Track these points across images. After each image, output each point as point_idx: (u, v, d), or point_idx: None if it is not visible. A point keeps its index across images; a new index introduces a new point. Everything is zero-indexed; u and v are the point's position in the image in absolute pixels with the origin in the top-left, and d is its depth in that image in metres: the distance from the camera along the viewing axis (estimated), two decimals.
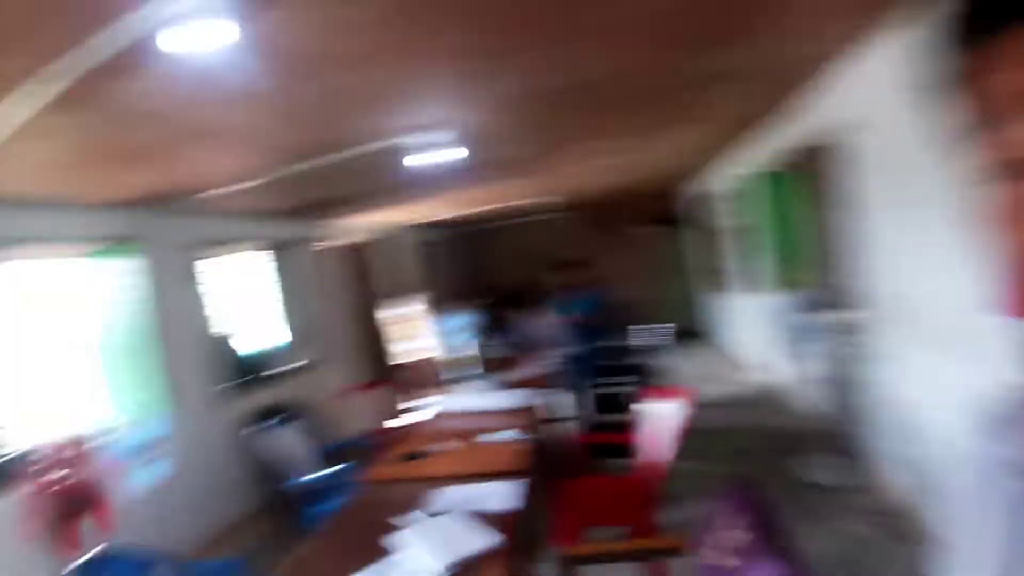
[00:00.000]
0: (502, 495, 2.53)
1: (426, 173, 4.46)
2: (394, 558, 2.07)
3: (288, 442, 4.30)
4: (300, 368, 6.44)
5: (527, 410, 3.91)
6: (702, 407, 5.77)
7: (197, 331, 5.10)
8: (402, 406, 4.93)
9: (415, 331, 8.40)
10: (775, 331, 5.99)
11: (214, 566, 2.62)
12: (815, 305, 3.84)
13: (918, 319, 2.97)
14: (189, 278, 5.03)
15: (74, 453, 2.78)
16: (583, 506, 3.10)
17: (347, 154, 3.54)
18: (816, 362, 4.13)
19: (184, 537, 4.25)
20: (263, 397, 5.61)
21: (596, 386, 5.62)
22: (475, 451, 3.21)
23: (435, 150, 3.56)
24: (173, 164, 3.40)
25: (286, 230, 6.29)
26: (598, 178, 7.00)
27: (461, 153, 3.89)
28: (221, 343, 5.73)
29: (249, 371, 5.82)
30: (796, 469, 4.07)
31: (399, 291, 8.22)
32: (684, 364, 7.86)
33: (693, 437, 5.02)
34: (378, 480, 3.02)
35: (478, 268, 11.20)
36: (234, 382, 5.57)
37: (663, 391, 3.31)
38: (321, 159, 3.62)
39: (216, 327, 5.73)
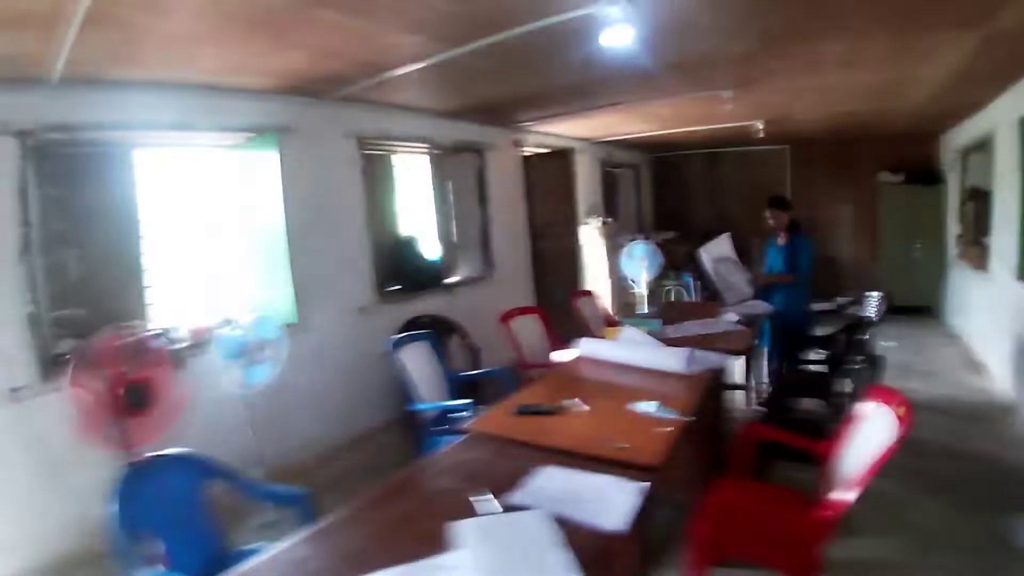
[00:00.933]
0: (618, 504, 1.92)
1: (612, 71, 3.99)
2: (439, 559, 1.69)
3: (424, 361, 4.14)
4: (464, 282, 6.43)
5: (698, 380, 3.19)
6: (916, 408, 4.98)
7: (356, 230, 5.06)
8: (562, 341, 4.62)
9: (591, 259, 8.11)
10: (1017, 330, 4.99)
11: (277, 492, 2.49)
12: None
13: None
14: (350, 173, 4.99)
15: (146, 346, 2.78)
16: (729, 524, 2.56)
17: (522, 30, 3.10)
18: None
19: (287, 448, 4.31)
20: (423, 307, 5.63)
21: (790, 360, 4.97)
22: (610, 422, 2.63)
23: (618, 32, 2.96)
24: (321, 37, 3.21)
25: (457, 132, 6.10)
26: (831, 104, 6.01)
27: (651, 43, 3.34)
28: (393, 245, 5.92)
29: (417, 278, 5.86)
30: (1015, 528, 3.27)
31: (577, 214, 7.84)
32: (903, 349, 6.89)
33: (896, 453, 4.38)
34: (481, 433, 2.61)
35: (672, 199, 10.48)
36: (399, 287, 5.68)
37: (877, 389, 2.61)
38: (495, 35, 3.20)
39: (388, 227, 5.95)
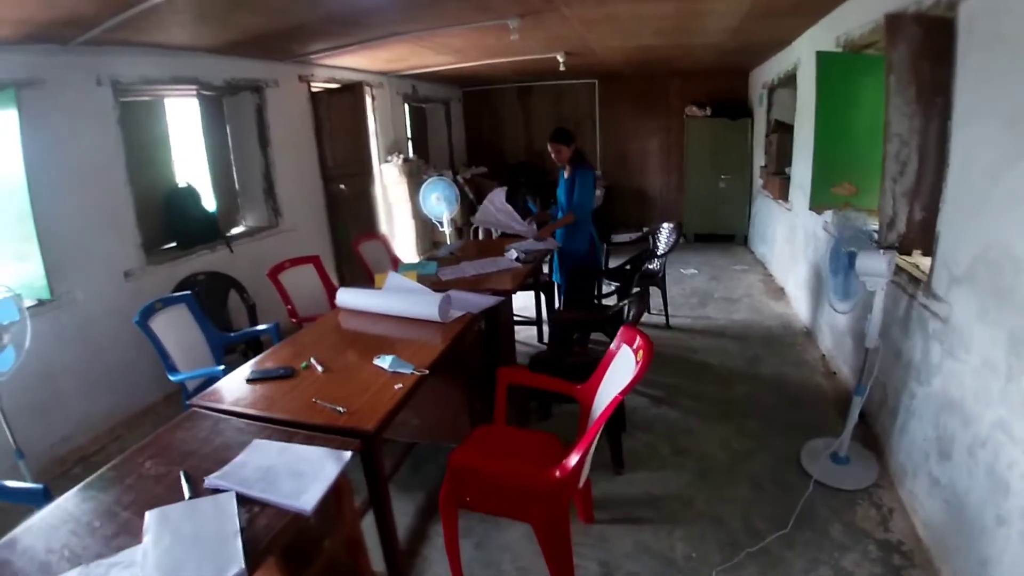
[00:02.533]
0: (314, 480, 1.94)
1: None
2: (119, 556, 1.64)
3: (183, 326, 4.12)
4: (248, 233, 6.43)
5: (452, 327, 3.39)
6: (710, 335, 5.92)
7: (116, 187, 4.86)
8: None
9: (395, 199, 8.38)
10: (812, 258, 5.79)
11: (7, 490, 2.50)
12: (862, 238, 3.54)
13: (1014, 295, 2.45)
14: (106, 125, 4.77)
15: None
16: (471, 481, 2.71)
17: None
18: (850, 313, 3.88)
19: (58, 436, 4.24)
20: (200, 264, 5.59)
21: (576, 295, 5.46)
22: (343, 383, 2.70)
23: None
24: None
25: (232, 70, 5.97)
26: (627, 37, 6.51)
27: None
28: (167, 198, 5.75)
29: (194, 233, 5.80)
30: (802, 452, 3.83)
31: (371, 153, 8.01)
32: (705, 276, 7.80)
33: (682, 369, 5.14)
34: (209, 407, 2.55)
35: (485, 134, 10.95)
36: (176, 244, 5.63)
37: (627, 330, 2.88)
38: None
39: (162, 180, 5.77)
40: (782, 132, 7.57)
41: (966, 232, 2.85)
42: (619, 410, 4.04)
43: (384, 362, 2.84)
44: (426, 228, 8.30)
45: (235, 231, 6.49)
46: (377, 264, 5.55)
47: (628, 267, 5.96)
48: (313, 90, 7.13)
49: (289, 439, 2.22)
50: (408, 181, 8.15)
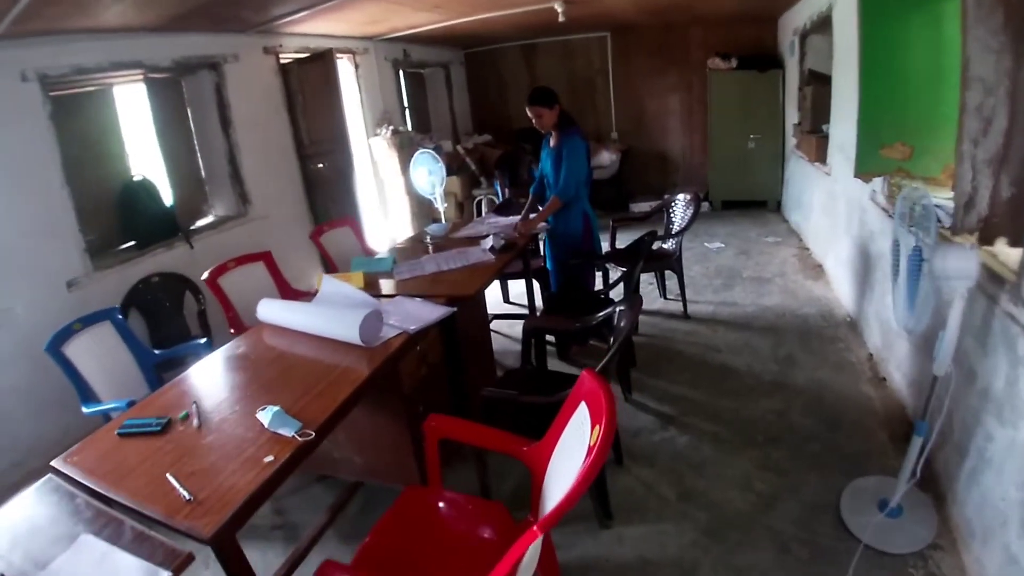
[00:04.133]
0: None
1: None
2: None
3: (108, 348, 3.61)
4: (213, 225, 5.80)
5: (378, 354, 2.69)
6: (735, 327, 4.87)
7: (52, 190, 4.37)
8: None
9: (387, 175, 7.56)
10: (857, 233, 4.78)
11: None
12: (926, 220, 2.49)
13: None
14: (34, 123, 4.27)
15: None
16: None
17: None
18: (911, 313, 2.74)
19: None
20: (156, 264, 5.04)
21: (567, 286, 4.61)
22: (210, 447, 2.09)
23: None
24: None
25: (182, 48, 5.28)
26: None
27: None
28: (120, 194, 5.23)
29: (151, 230, 5.23)
30: (843, 498, 2.91)
31: (345, 126, 7.10)
32: (733, 251, 6.78)
33: (699, 375, 4.16)
34: (66, 473, 2.08)
35: (490, 98, 9.96)
36: (131, 244, 5.14)
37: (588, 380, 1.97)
38: None
39: (115, 174, 5.22)
40: (817, 84, 6.45)
41: None
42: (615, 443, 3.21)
43: (265, 416, 2.16)
44: (422, 205, 7.45)
45: (201, 223, 5.81)
46: (345, 256, 4.76)
47: (627, 251, 5.01)
48: (283, 62, 6.28)
49: (119, 536, 1.78)
50: (399, 155, 7.31)
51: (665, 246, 5.12)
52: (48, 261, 4.30)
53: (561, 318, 3.99)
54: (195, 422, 2.25)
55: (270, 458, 1.97)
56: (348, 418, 2.41)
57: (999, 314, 2.43)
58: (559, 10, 6.28)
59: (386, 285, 3.67)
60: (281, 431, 2.09)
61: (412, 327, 2.88)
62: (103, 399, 3.32)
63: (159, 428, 2.21)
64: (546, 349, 3.93)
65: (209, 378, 2.73)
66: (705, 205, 8.70)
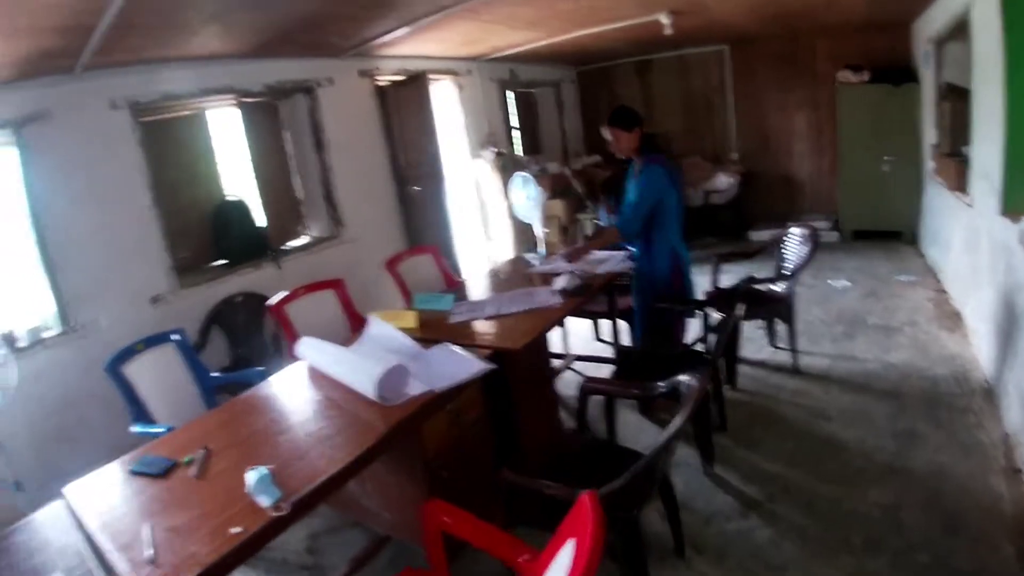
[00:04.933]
0: None
1: None
2: None
3: (168, 369, 3.54)
4: (306, 247, 5.69)
5: (391, 415, 2.33)
6: (851, 388, 4.04)
7: (140, 209, 4.43)
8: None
9: (489, 199, 7.20)
10: (1003, 281, 3.83)
11: None
12: None
13: None
14: (126, 148, 4.34)
15: None
16: None
17: None
18: None
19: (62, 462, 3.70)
20: (241, 283, 5.00)
21: (649, 329, 3.98)
22: (193, 502, 1.93)
23: None
24: None
25: (274, 73, 5.21)
26: None
27: None
28: (215, 213, 5.31)
29: (243, 249, 5.21)
30: None
31: (438, 148, 6.76)
32: (859, 290, 5.86)
33: (800, 448, 3.43)
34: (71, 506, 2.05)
35: (597, 119, 9.40)
36: (225, 263, 5.18)
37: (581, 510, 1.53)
38: None
39: (209, 195, 5.31)
40: (955, 99, 5.48)
41: None
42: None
43: (252, 477, 1.90)
44: (524, 229, 7.01)
45: (293, 244, 5.71)
46: (425, 287, 4.38)
47: (740, 289, 4.32)
48: (380, 84, 6.06)
49: None
50: (502, 177, 6.92)
51: (776, 288, 4.38)
52: (135, 278, 4.36)
53: (623, 381, 3.38)
54: (193, 471, 2.11)
55: (237, 529, 1.75)
56: (372, 471, 2.32)
57: None
58: (665, 22, 5.70)
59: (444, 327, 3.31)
60: (260, 498, 1.85)
61: (439, 386, 2.45)
62: (158, 419, 3.24)
63: (162, 471, 2.13)
64: (614, 413, 3.29)
65: (237, 416, 2.57)
66: (834, 235, 7.73)
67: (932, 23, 5.99)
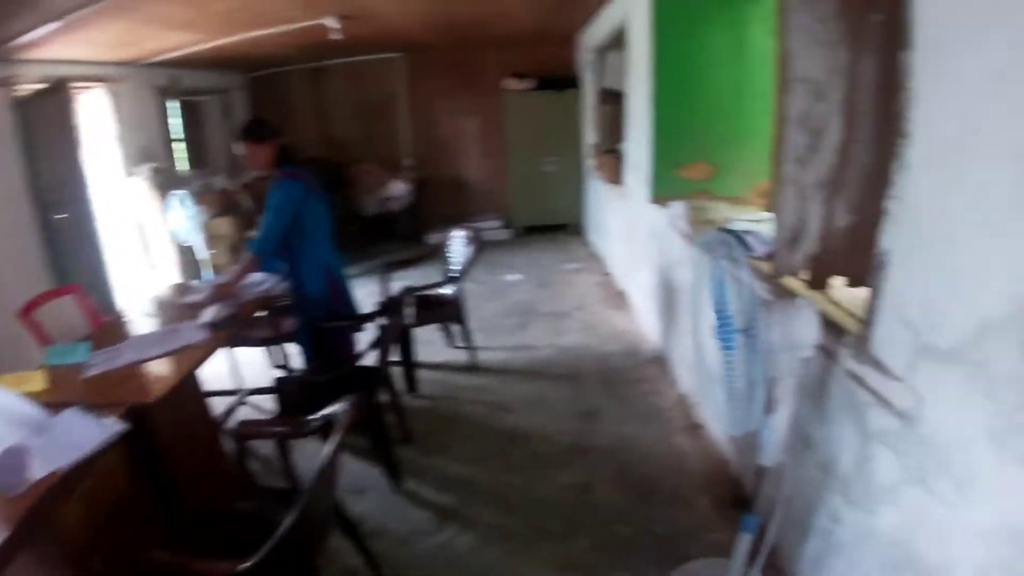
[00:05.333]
0: None
1: None
2: None
3: None
4: None
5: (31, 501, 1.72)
6: (530, 377, 4.05)
7: None
8: None
9: (146, 222, 6.25)
10: (659, 262, 4.19)
11: None
12: (735, 247, 1.77)
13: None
14: None
15: None
16: None
17: None
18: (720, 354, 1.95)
19: None
20: None
21: (314, 355, 3.57)
22: None
23: None
24: None
25: None
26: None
27: None
28: None
29: None
30: None
31: (83, 167, 5.61)
32: (531, 282, 6.10)
33: (486, 446, 3.30)
34: None
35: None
36: None
37: None
38: None
39: None
40: (613, 102, 6.01)
41: (956, 258, 1.38)
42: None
43: None
44: (189, 253, 6.21)
45: None
46: (73, 333, 3.50)
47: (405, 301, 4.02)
48: (19, 95, 4.91)
49: None
50: (160, 196, 5.99)
51: (445, 291, 4.24)
52: None
53: (283, 416, 3.02)
54: None
55: None
56: None
57: (840, 375, 1.89)
58: (333, 27, 5.41)
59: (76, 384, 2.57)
60: None
61: (65, 462, 1.88)
62: None
63: None
64: (287, 452, 2.75)
65: None
66: (506, 232, 8.17)
67: (595, 34, 6.54)
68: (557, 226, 8.24)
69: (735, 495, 2.74)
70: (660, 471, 2.99)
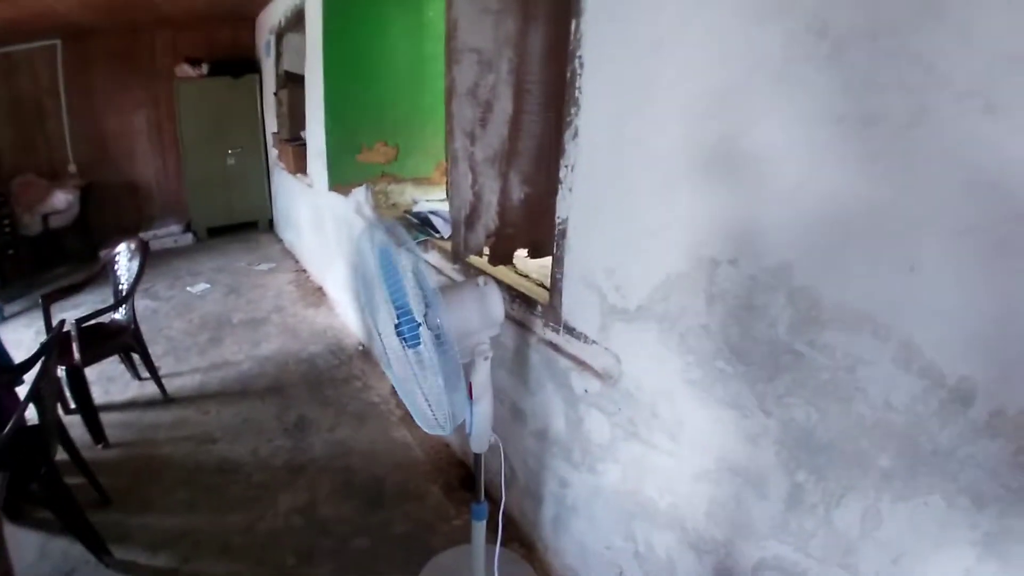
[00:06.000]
0: None
1: None
2: None
3: None
4: None
5: None
6: (231, 398, 3.53)
7: None
8: None
9: None
10: (351, 252, 3.99)
11: None
12: (398, 233, 1.53)
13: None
14: None
15: None
16: None
17: None
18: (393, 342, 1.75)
19: None
20: None
21: None
22: None
23: None
24: None
25: None
26: None
27: None
28: None
29: None
30: None
31: None
32: (221, 290, 5.41)
33: (195, 489, 2.73)
34: None
35: None
36: None
37: None
38: None
39: None
40: (294, 86, 5.53)
41: (635, 221, 1.38)
42: None
43: None
44: None
45: None
46: None
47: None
48: None
49: None
50: None
51: (117, 316, 3.50)
52: None
53: None
54: None
55: None
56: None
57: (536, 344, 1.86)
58: None
59: None
60: None
61: None
62: None
63: None
64: None
65: None
66: (188, 237, 7.20)
67: (274, 14, 5.96)
68: (245, 224, 7.47)
69: (464, 477, 2.68)
70: (384, 470, 2.80)
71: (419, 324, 1.39)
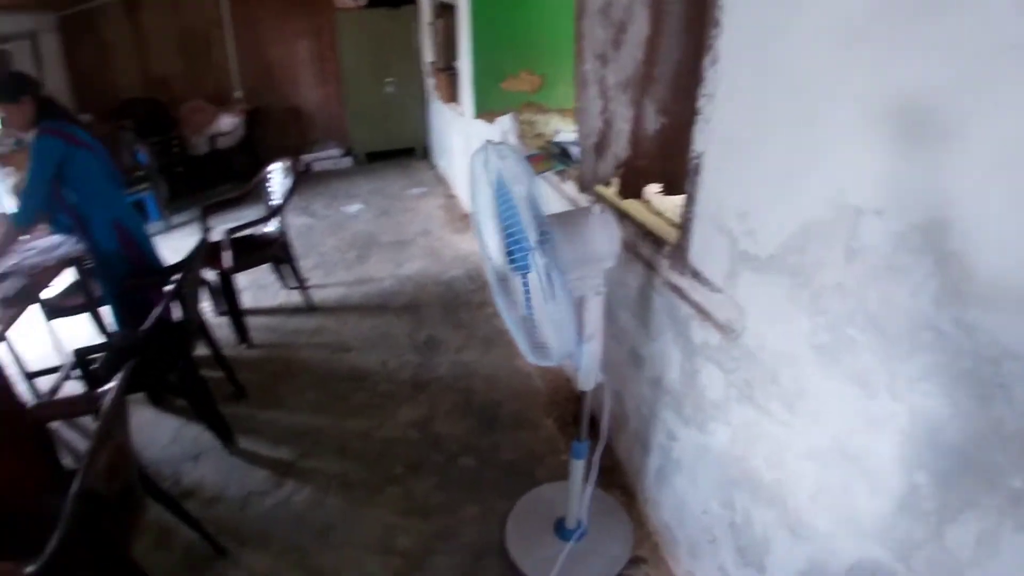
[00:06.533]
0: None
1: None
2: None
3: None
4: None
5: None
6: (370, 312, 3.67)
7: None
8: None
9: None
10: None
11: None
12: (513, 157, 1.45)
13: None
14: None
15: None
16: None
17: None
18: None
19: None
20: None
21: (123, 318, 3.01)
22: None
23: None
24: None
25: None
26: None
27: None
28: None
29: None
30: (508, 527, 2.14)
31: None
32: (373, 211, 5.60)
33: (324, 393, 2.95)
34: None
35: (92, 69, 7.66)
36: None
37: None
38: None
39: None
40: (448, 16, 5.44)
41: (774, 159, 1.19)
42: None
43: None
44: None
45: None
46: None
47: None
48: None
49: None
50: None
51: (268, 229, 3.69)
52: None
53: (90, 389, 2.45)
54: None
55: None
56: None
57: (660, 286, 1.72)
58: None
59: None
60: None
61: None
62: None
63: None
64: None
65: None
66: (347, 161, 7.50)
67: None
68: (403, 151, 7.66)
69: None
70: (503, 396, 2.81)
71: (531, 250, 1.30)
